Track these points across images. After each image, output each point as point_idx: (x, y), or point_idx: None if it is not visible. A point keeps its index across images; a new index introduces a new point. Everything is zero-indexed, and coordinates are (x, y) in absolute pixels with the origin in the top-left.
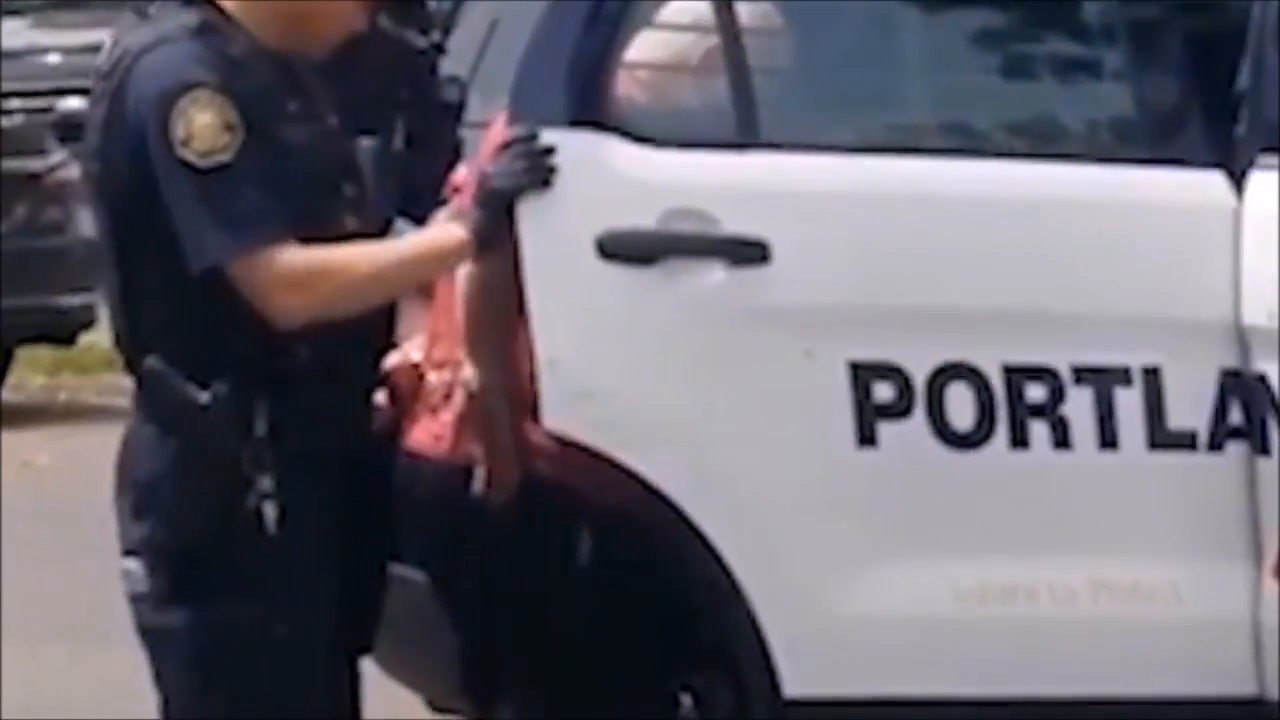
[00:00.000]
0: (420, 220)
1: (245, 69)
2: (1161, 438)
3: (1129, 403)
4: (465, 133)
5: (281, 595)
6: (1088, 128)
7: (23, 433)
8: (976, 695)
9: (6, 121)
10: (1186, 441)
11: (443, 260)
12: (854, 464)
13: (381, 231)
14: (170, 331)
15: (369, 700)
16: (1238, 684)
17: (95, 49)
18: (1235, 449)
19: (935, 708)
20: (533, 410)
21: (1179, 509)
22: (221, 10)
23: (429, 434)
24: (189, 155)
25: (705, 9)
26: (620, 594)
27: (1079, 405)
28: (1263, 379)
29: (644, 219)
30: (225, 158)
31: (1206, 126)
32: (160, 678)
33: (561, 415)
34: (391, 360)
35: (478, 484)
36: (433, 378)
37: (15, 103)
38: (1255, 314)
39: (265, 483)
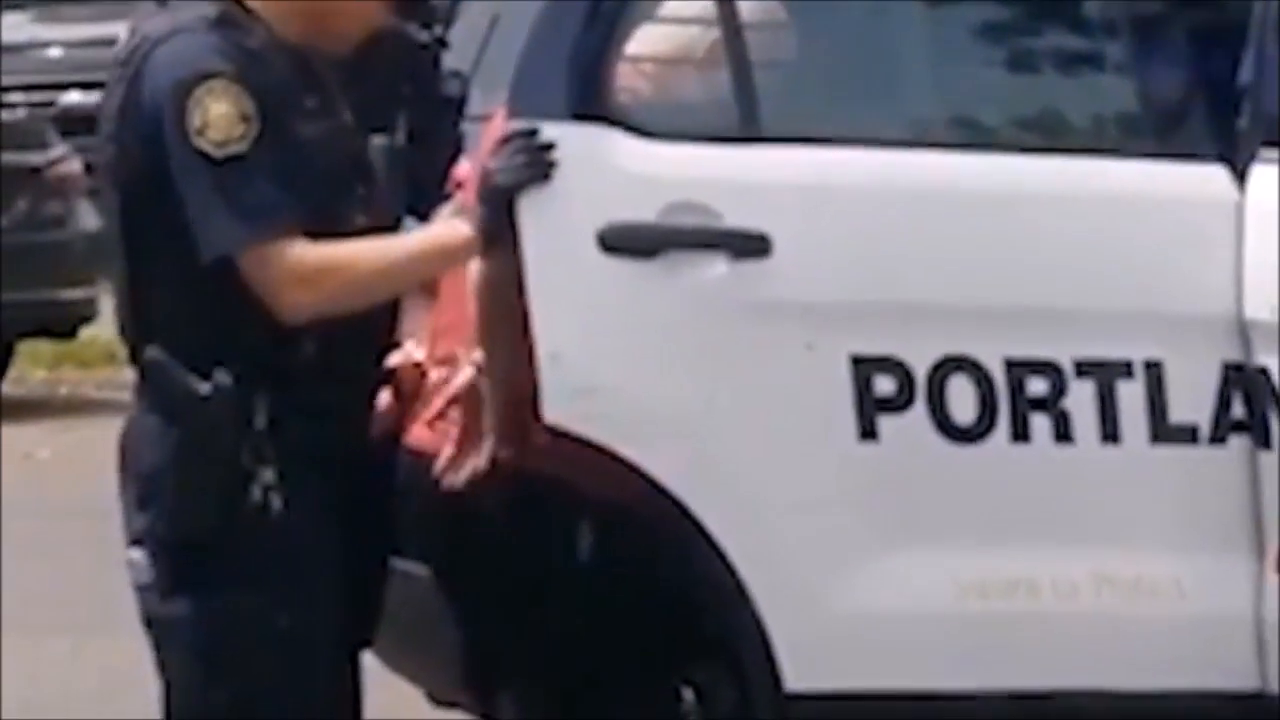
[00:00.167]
0: (423, 216)
1: (263, 62)
2: (1163, 431)
3: (1131, 396)
4: (466, 127)
5: (283, 586)
6: (1090, 122)
7: (23, 426)
8: (978, 689)
9: (7, 115)
10: (1188, 435)
11: (449, 257)
12: (855, 457)
13: (391, 229)
14: (176, 322)
15: (370, 694)
16: (1240, 678)
17: (97, 43)
18: (1237, 443)
19: (937, 702)
20: (534, 404)
21: (1181, 503)
22: (241, 3)
23: (430, 428)
24: (204, 144)
25: (708, 3)
26: (621, 588)
27: (1081, 399)
28: (1264, 372)
29: (645, 212)
30: (240, 148)
31: (1208, 120)
32: (163, 667)
33: (563, 409)
34: (395, 359)
35: (439, 465)
36: (435, 375)
37: (16, 96)
38: (1257, 308)
39: (268, 474)
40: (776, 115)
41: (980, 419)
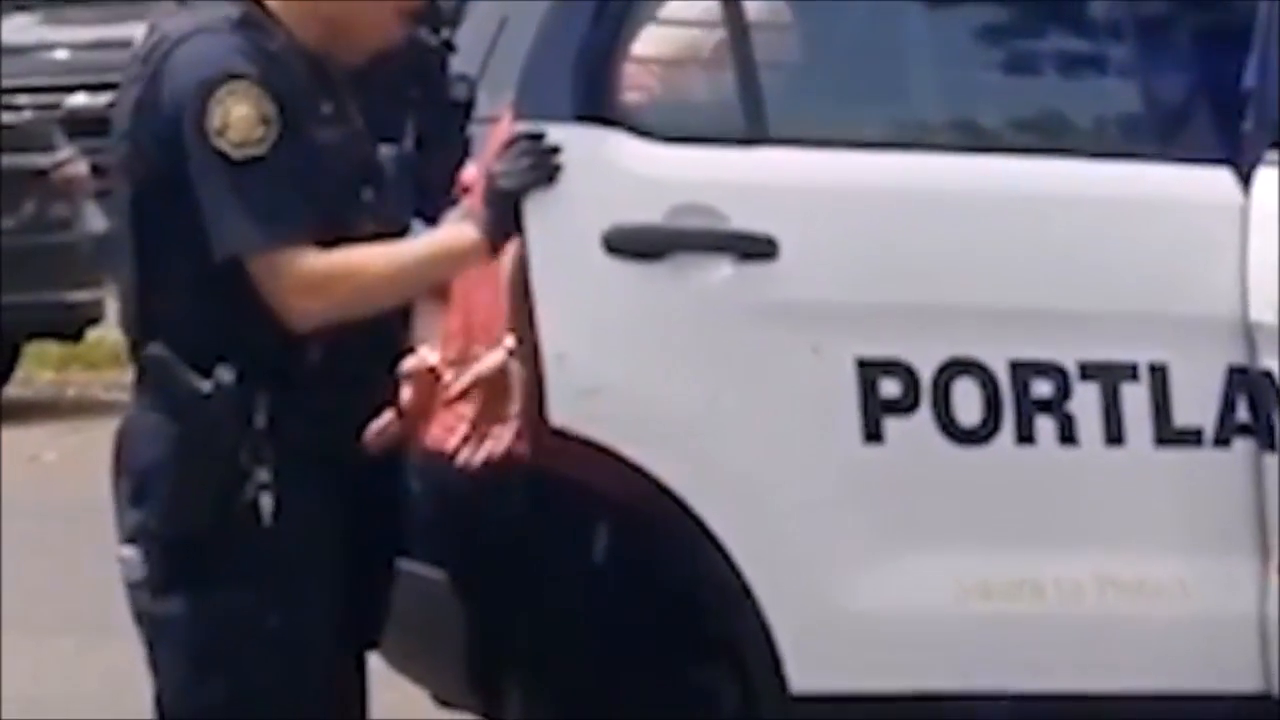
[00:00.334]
0: (432, 220)
1: (283, 65)
2: (1168, 434)
3: (1135, 399)
4: (474, 130)
5: (275, 586)
6: (1095, 124)
7: (30, 428)
8: (983, 690)
9: (13, 117)
10: (1193, 438)
11: (456, 261)
12: (860, 459)
13: (399, 234)
14: (182, 319)
15: (375, 695)
16: (1244, 680)
17: (103, 45)
18: (1242, 445)
19: (941, 703)
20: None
21: (1185, 505)
22: (262, 5)
23: (444, 428)
24: (223, 145)
25: (713, 4)
26: (627, 589)
27: (1085, 401)
28: (1269, 375)
29: (651, 214)
30: (259, 151)
31: (1213, 123)
32: (155, 664)
33: (569, 410)
34: (408, 363)
35: (453, 441)
36: (449, 376)
37: (23, 98)
38: (1262, 310)
39: (262, 474)
40: (782, 117)
41: (985, 421)
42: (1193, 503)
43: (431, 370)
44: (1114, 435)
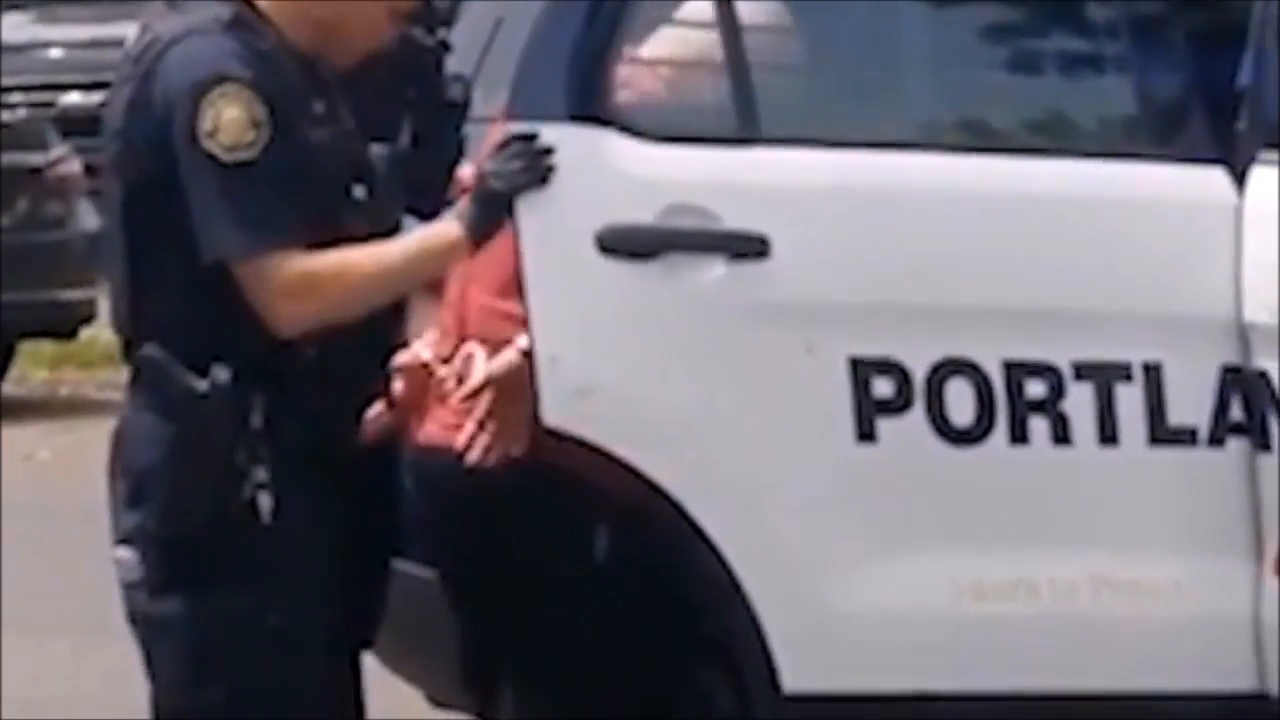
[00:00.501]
0: (427, 219)
1: (275, 66)
2: (1162, 433)
3: (1130, 399)
4: (470, 129)
5: (274, 586)
6: (1090, 124)
7: (24, 427)
8: (976, 690)
9: (8, 115)
10: (1187, 437)
11: (440, 259)
12: (853, 459)
13: (391, 234)
14: (175, 319)
15: (370, 696)
16: (1239, 680)
17: (97, 44)
18: (1236, 445)
19: (934, 703)
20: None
21: (1180, 505)
22: (253, 6)
23: (440, 424)
24: (213, 148)
25: (706, 5)
26: (620, 589)
27: (1079, 401)
28: (1263, 375)
29: (644, 214)
30: (249, 155)
31: (1208, 123)
32: (152, 666)
33: (562, 411)
34: (401, 359)
35: (462, 440)
36: (443, 371)
37: (17, 97)
38: (1256, 310)
39: (260, 474)
40: (775, 117)
41: (979, 421)
42: (1187, 503)
43: (424, 365)
44: (1108, 435)
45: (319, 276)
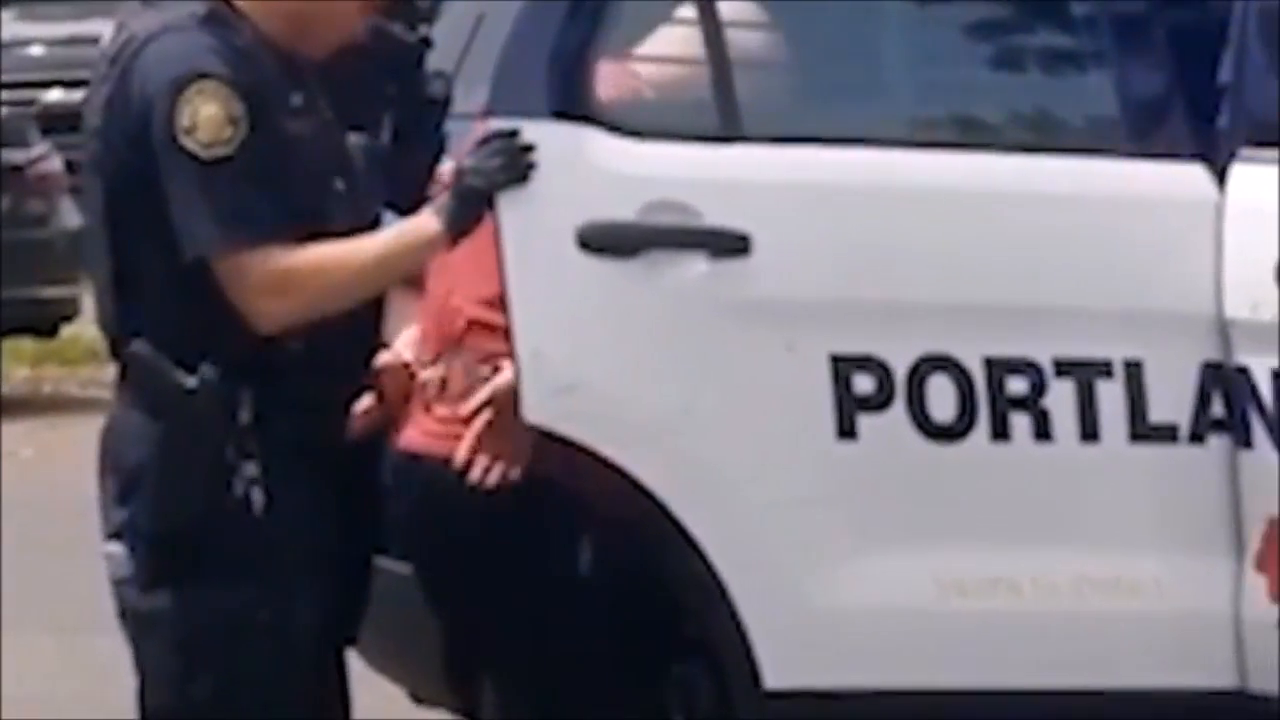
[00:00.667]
0: (406, 215)
1: (251, 60)
2: (1143, 430)
3: (1110, 395)
4: (451, 125)
5: (264, 581)
6: (1070, 121)
7: (6, 425)
8: (957, 686)
9: None
10: (1168, 434)
11: (417, 253)
12: (835, 456)
13: (371, 227)
14: (161, 316)
15: (353, 694)
16: (1219, 676)
17: (78, 41)
18: (1217, 442)
19: (915, 699)
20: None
21: (1161, 502)
22: (228, 1)
23: (422, 431)
24: (191, 145)
25: (687, 2)
26: (602, 586)
27: (1060, 398)
28: (1244, 371)
29: (625, 211)
30: (226, 151)
31: (1188, 119)
32: (141, 660)
33: (543, 409)
34: (382, 359)
35: (461, 455)
36: (425, 375)
37: None
38: (1237, 307)
39: (250, 469)
40: (756, 114)
41: (960, 418)
42: (1168, 499)
43: (406, 366)
44: (1089, 432)
45: (298, 272)
